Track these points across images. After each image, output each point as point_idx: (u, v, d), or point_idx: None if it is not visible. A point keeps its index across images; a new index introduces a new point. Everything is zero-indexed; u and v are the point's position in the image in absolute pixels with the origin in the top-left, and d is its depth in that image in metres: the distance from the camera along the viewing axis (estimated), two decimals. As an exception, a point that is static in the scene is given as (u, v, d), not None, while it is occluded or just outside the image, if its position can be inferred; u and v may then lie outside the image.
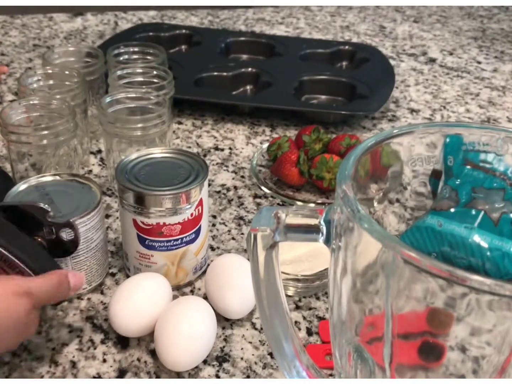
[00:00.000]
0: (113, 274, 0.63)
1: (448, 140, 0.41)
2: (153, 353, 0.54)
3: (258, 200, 0.76)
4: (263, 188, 0.78)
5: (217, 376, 0.53)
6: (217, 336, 0.55)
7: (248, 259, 0.41)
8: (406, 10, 1.49)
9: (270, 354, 0.55)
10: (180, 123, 0.94)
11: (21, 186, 0.59)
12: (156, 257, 0.59)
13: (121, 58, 0.88)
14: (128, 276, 0.62)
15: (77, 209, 0.57)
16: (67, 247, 0.56)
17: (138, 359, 0.54)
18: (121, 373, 0.52)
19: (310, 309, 0.60)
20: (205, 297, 0.58)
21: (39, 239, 0.54)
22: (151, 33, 1.16)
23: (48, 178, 0.61)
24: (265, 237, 0.38)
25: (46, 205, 0.54)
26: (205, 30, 1.24)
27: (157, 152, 0.62)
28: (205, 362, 0.53)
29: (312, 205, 0.75)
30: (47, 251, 0.54)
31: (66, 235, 0.55)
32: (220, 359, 0.54)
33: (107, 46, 0.94)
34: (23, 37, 1.23)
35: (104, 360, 0.53)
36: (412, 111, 1.00)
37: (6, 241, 0.51)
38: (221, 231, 0.70)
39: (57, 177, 0.61)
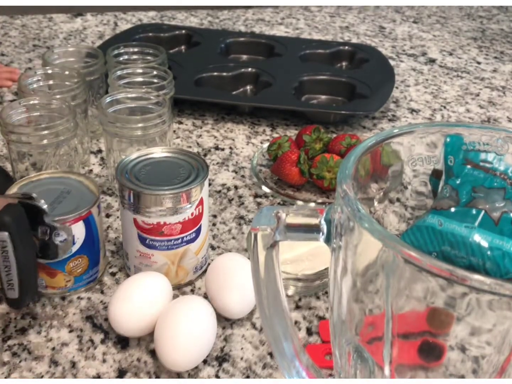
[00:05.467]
0: (113, 274, 0.63)
1: (448, 139, 0.41)
2: (153, 353, 0.54)
3: (258, 199, 0.76)
4: (263, 187, 0.78)
5: (217, 376, 0.52)
6: (217, 336, 0.55)
7: (249, 259, 0.41)
8: (405, 11, 1.49)
9: (270, 354, 0.54)
10: (180, 122, 0.93)
11: (21, 184, 0.59)
12: (156, 256, 0.59)
13: (121, 59, 0.88)
14: (128, 276, 0.62)
15: (75, 209, 0.57)
16: (58, 251, 0.55)
17: (138, 359, 0.54)
18: (121, 373, 0.52)
19: (310, 308, 0.60)
20: (206, 297, 0.58)
21: (32, 237, 0.54)
22: (150, 34, 1.16)
23: (47, 176, 0.61)
24: (266, 237, 0.38)
25: (45, 205, 0.54)
26: (205, 30, 1.24)
27: (157, 152, 0.62)
28: (205, 362, 0.53)
29: (313, 204, 0.75)
30: (38, 251, 0.54)
31: (59, 239, 0.54)
32: (220, 359, 0.54)
33: (106, 46, 0.94)
34: (23, 37, 1.23)
35: (104, 360, 0.53)
36: (412, 111, 1.00)
37: None
38: (221, 231, 0.70)
39: (57, 175, 0.61)
